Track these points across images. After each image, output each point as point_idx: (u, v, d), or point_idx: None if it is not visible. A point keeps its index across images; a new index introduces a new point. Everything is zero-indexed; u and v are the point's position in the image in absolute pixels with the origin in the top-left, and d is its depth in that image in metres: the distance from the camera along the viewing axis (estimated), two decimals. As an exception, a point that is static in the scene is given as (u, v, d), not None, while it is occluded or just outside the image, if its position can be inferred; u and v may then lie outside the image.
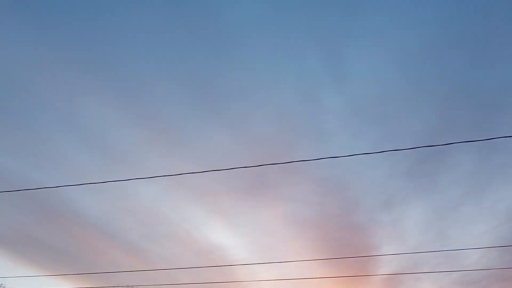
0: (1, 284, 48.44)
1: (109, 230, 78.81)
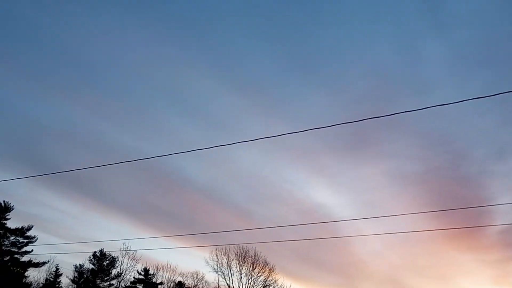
0: (125, 244, 53.77)
1: (216, 194, 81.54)
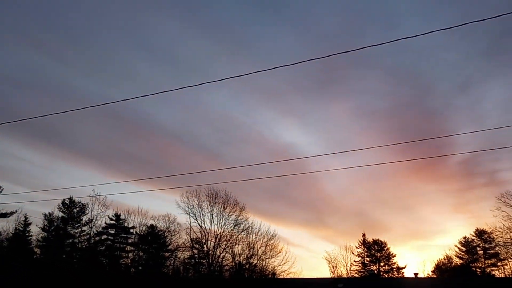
0: (95, 191, 53.24)
1: (186, 138, 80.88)
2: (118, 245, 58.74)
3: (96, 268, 53.60)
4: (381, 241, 68.77)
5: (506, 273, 60.38)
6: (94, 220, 55.64)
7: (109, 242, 58.39)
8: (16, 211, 50.52)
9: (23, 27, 73.08)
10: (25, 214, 52.45)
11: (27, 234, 52.67)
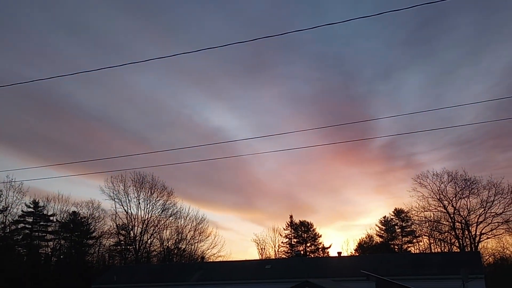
0: (9, 177, 49.87)
1: (111, 121, 78.03)
2: (37, 233, 55.64)
3: (12, 258, 50.43)
4: (308, 222, 70.75)
5: (420, 249, 64.50)
6: (9, 208, 52.08)
7: (27, 231, 55.15)
8: None
9: None
10: None
11: None
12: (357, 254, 64.43)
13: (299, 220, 70.98)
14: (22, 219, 54.60)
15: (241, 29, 71.49)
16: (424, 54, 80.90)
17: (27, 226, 55.16)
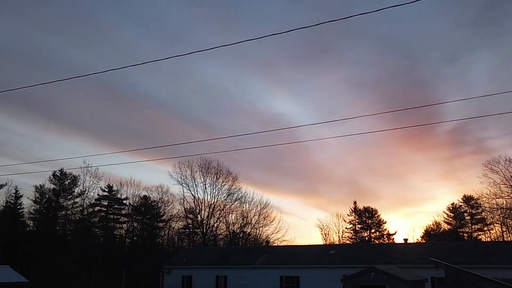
0: (86, 163, 53.18)
1: (177, 109, 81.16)
2: (111, 216, 59.08)
3: (90, 239, 54.03)
4: (372, 209, 69.90)
5: (491, 237, 61.92)
6: (86, 192, 55.75)
7: (103, 214, 58.68)
8: (6, 183, 50.39)
9: (6, -3, 71.15)
10: (16, 186, 52.34)
11: (18, 207, 52.64)
12: (424, 242, 62.95)
13: (363, 206, 70.33)
14: (98, 202, 58.15)
15: (303, 14, 71.07)
16: (495, 35, 76.69)
17: (102, 209, 58.69)
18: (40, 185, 54.53)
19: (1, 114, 78.06)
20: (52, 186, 54.77)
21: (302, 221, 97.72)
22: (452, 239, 58.39)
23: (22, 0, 73.99)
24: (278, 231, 60.46)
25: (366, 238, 64.17)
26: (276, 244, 57.15)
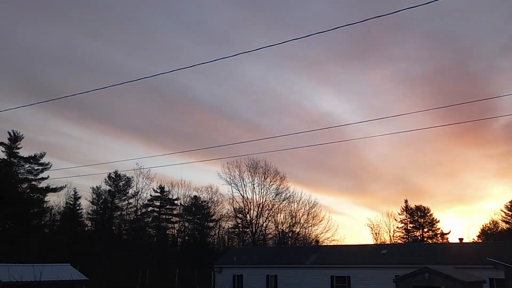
0: (139, 164, 54.85)
1: (224, 110, 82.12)
2: (164, 216, 60.67)
3: (144, 239, 55.76)
4: (424, 207, 68.11)
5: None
6: (139, 193, 57.53)
7: (155, 214, 60.36)
8: (65, 185, 52.75)
9: (62, 6, 74.56)
10: (74, 188, 54.69)
11: (77, 208, 55.04)
12: (481, 241, 60.67)
13: (415, 205, 68.65)
14: (150, 202, 59.87)
15: (348, 12, 70.20)
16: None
17: (155, 209, 60.36)
18: (96, 186, 56.81)
19: (60, 120, 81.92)
20: (108, 187, 56.93)
21: (352, 220, 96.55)
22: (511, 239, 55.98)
23: (77, 11, 77.29)
24: (327, 231, 60.15)
25: (419, 237, 62.59)
26: (325, 244, 56.84)
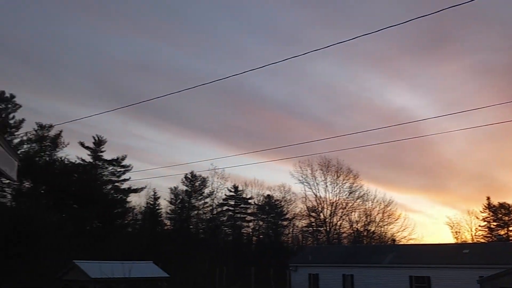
0: (213, 165, 56.38)
1: (295, 109, 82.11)
2: (238, 215, 61.95)
3: (220, 237, 57.31)
4: (509, 204, 64.10)
5: None
6: (214, 192, 59.17)
7: (230, 213, 61.80)
8: (145, 186, 55.40)
9: (136, 16, 78.38)
10: (154, 189, 57.29)
11: (157, 208, 57.60)
12: None
13: (498, 202, 64.81)
14: (225, 202, 61.39)
15: (419, 3, 67.69)
16: None
17: (230, 208, 61.82)
18: (174, 187, 59.16)
19: (139, 124, 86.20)
20: (185, 187, 59.09)
21: (429, 218, 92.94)
22: None
23: (149, 20, 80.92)
24: (404, 229, 58.44)
25: (504, 236, 59.12)
26: (402, 243, 55.28)
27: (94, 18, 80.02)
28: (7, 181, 31.35)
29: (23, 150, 44.71)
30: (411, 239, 58.02)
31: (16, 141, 43.65)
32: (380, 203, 59.10)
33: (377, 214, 58.96)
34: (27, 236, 32.34)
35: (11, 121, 44.48)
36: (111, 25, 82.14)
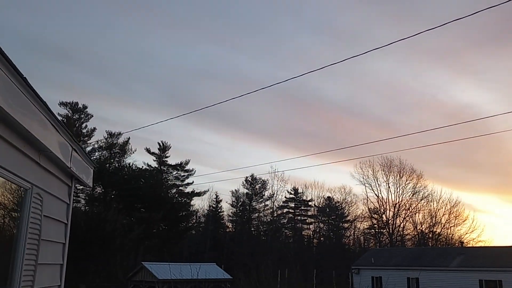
0: (273, 167, 56.80)
1: (355, 109, 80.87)
2: (299, 217, 62.06)
3: (280, 240, 57.66)
4: None
5: None
6: (275, 195, 59.65)
7: (290, 215, 62.03)
8: (208, 190, 56.87)
9: (199, 22, 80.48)
10: (216, 192, 58.66)
11: (219, 210, 58.90)
12: None
13: None
14: (285, 204, 61.73)
15: (485, -7, 64.73)
16: None
17: (290, 210, 62.08)
18: (235, 190, 60.27)
19: (201, 129, 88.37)
20: (245, 190, 60.03)
21: (501, 219, 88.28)
22: None
23: (211, 23, 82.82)
24: (472, 231, 56.03)
25: None
26: (471, 245, 53.06)
27: (168, 31, 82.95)
28: (81, 186, 33.38)
29: (94, 157, 47.39)
30: (480, 241, 55.58)
31: (88, 149, 46.33)
32: (446, 204, 57.09)
33: (443, 215, 57.00)
34: (100, 239, 34.27)
35: (84, 130, 47.32)
36: (174, 36, 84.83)
